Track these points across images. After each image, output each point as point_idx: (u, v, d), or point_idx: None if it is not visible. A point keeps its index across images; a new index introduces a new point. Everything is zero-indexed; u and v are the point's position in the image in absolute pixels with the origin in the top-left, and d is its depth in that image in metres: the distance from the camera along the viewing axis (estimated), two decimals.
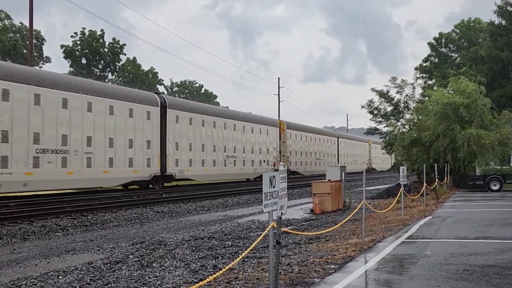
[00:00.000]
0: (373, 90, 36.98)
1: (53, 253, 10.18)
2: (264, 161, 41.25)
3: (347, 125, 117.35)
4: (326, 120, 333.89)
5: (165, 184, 29.46)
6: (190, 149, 31.19)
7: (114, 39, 65.43)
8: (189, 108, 32.46)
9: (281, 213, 5.91)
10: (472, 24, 50.25)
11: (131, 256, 9.23)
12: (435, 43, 50.99)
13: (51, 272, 8.02)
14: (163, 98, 29.90)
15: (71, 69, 62.12)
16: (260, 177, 36.46)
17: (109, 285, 7.04)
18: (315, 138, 55.03)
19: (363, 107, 37.80)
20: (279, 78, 71.36)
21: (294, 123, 52.32)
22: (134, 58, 70.64)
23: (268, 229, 5.63)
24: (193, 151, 31.56)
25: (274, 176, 5.61)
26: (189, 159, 31.08)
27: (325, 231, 11.28)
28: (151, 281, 7.16)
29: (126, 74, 68.42)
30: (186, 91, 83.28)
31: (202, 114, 33.30)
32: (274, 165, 41.00)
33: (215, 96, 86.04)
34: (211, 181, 35.49)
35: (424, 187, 18.78)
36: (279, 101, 68.12)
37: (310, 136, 53.56)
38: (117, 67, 66.89)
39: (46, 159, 21.03)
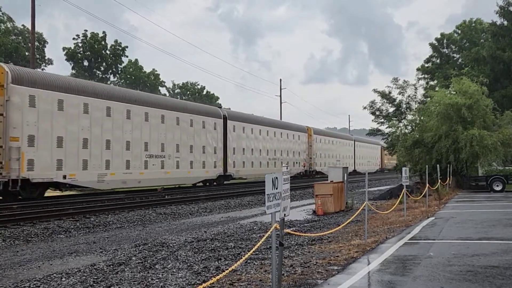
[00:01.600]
0: (375, 91, 37.05)
1: (56, 255, 10.20)
2: None
3: (349, 126, 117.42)
4: (328, 121, 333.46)
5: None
6: None
7: (116, 41, 65.61)
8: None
9: (284, 214, 5.91)
10: (473, 24, 50.31)
11: (133, 258, 9.24)
12: (436, 44, 51.03)
13: (54, 274, 8.03)
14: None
15: (73, 71, 62.26)
16: None
17: (112, 287, 7.05)
18: (176, 119, 30.04)
19: (365, 108, 37.89)
20: (280, 80, 71.29)
21: (109, 87, 32.27)
22: (136, 60, 70.84)
23: (271, 230, 5.64)
24: None
25: (276, 178, 5.62)
26: None
27: (328, 232, 11.29)
28: (154, 283, 7.17)
29: (128, 76, 68.54)
30: (188, 92, 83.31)
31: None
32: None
33: (217, 98, 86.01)
34: None
35: (426, 188, 18.75)
36: (280, 102, 68.25)
37: (159, 114, 28.44)
38: (119, 69, 67.00)
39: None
